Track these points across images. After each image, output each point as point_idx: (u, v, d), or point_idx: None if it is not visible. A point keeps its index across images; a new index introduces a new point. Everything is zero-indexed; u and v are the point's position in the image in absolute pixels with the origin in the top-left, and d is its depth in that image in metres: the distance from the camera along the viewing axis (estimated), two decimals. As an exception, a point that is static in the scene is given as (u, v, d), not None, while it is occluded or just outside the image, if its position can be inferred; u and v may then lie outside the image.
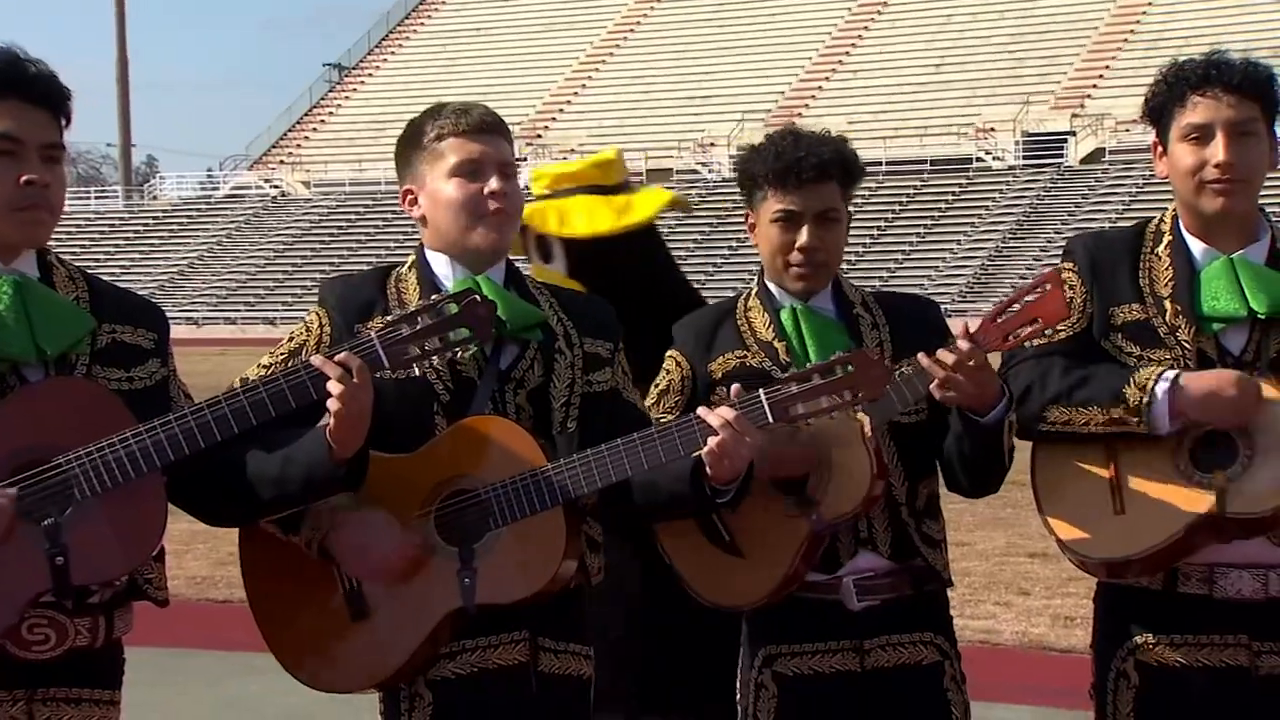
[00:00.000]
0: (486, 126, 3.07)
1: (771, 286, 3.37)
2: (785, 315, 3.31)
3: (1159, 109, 3.21)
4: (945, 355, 3.02)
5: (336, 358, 2.76)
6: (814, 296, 3.33)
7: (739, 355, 3.32)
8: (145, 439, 2.73)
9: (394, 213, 59.19)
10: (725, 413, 2.88)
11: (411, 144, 3.11)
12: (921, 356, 3.06)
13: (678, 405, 3.34)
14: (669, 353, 3.42)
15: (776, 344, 3.30)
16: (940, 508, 3.36)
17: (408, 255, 3.19)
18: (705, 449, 2.89)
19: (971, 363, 3.01)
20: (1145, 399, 3.08)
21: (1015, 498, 11.94)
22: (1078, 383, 3.16)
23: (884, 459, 3.14)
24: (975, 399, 3.08)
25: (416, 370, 2.84)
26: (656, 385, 3.40)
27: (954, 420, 3.16)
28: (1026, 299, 3.02)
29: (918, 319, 3.35)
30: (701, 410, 2.91)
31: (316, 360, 2.76)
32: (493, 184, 3.04)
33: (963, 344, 3.01)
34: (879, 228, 51.57)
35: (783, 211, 3.27)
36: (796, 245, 3.27)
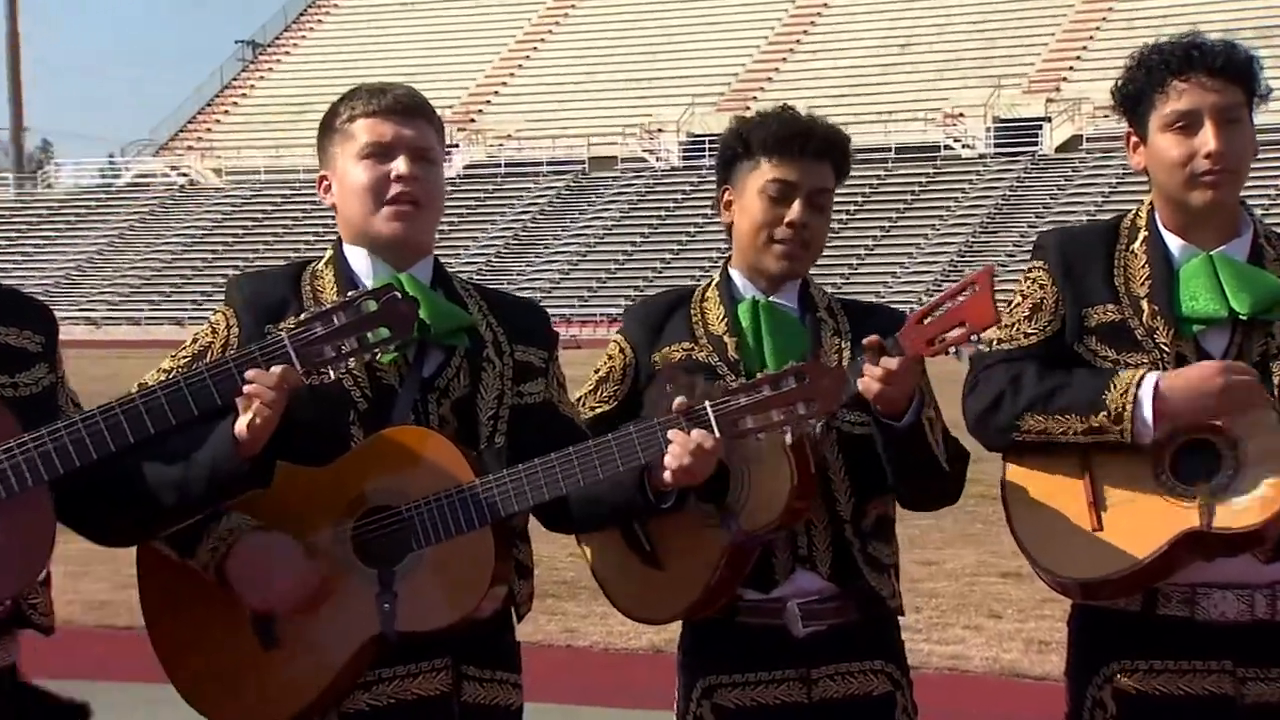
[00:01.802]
0: (402, 107, 3.07)
1: (736, 276, 3.37)
2: (744, 309, 3.32)
3: (1135, 96, 3.23)
4: (874, 371, 3.05)
5: (273, 371, 2.74)
6: (780, 289, 3.34)
7: (685, 347, 3.33)
8: (31, 450, 2.70)
9: (314, 203, 58.82)
10: (698, 437, 2.88)
11: (327, 127, 3.13)
12: (866, 371, 3.07)
13: (616, 395, 3.35)
14: (614, 336, 3.43)
15: (727, 339, 3.31)
16: (893, 532, 3.38)
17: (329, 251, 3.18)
18: (666, 468, 2.90)
19: (896, 369, 3.04)
20: (1128, 405, 3.09)
21: (985, 513, 12.06)
22: (1054, 389, 3.16)
23: (809, 469, 3.14)
24: (898, 403, 3.12)
25: (332, 374, 2.83)
26: (596, 371, 3.41)
27: (875, 433, 3.19)
28: (953, 301, 3.03)
29: (882, 331, 3.35)
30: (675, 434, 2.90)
31: (253, 374, 2.74)
32: (400, 166, 3.03)
33: (891, 361, 3.03)
34: (839, 221, 51.64)
35: (778, 181, 3.28)
36: (786, 219, 3.28)
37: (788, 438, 3.09)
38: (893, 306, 3.64)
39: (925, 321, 3.05)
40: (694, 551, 3.18)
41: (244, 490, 2.87)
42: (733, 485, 3.14)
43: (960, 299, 3.03)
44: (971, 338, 3.06)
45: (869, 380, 3.07)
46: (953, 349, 3.09)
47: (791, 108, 3.40)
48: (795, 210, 3.28)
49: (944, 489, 3.31)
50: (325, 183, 3.14)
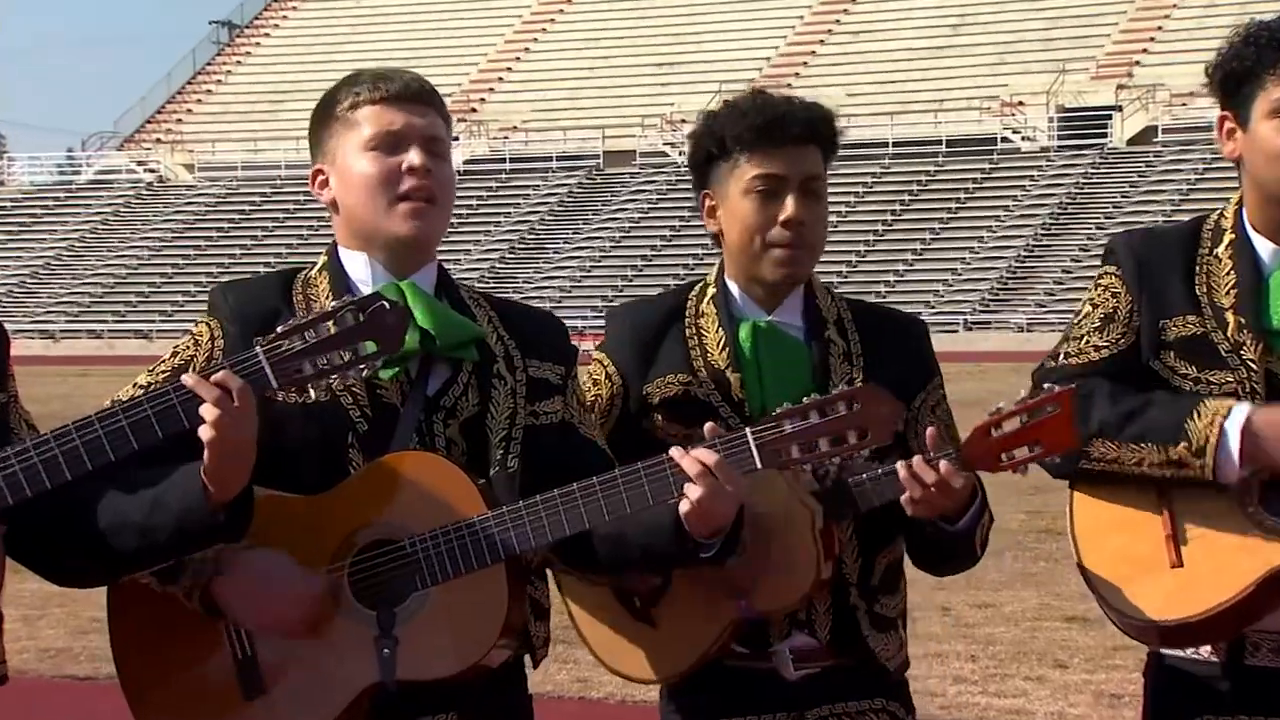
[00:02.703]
0: (412, 94, 3.07)
1: (733, 289, 3.35)
2: (744, 333, 3.31)
3: (1238, 76, 3.20)
4: (926, 472, 3.03)
5: (213, 377, 2.74)
6: (783, 304, 3.33)
7: (683, 380, 3.31)
8: (-20, 479, 2.71)
9: (297, 202, 59.09)
10: (705, 456, 2.88)
11: (324, 116, 3.12)
12: (900, 468, 3.06)
13: (601, 429, 3.31)
14: (597, 356, 3.40)
15: (730, 375, 3.29)
16: (901, 573, 3.40)
17: (315, 254, 3.19)
18: (684, 503, 2.89)
19: (956, 485, 3.03)
20: (1212, 436, 3.08)
21: (1048, 549, 12.00)
22: (1130, 413, 3.17)
23: (835, 554, 3.19)
24: (949, 510, 3.13)
25: (313, 392, 2.83)
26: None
27: (925, 528, 3.19)
28: (1030, 415, 2.99)
29: (900, 349, 3.36)
30: (675, 452, 2.90)
31: (188, 380, 2.73)
32: (413, 157, 3.03)
33: (945, 466, 3.02)
34: (884, 223, 51.78)
35: (763, 177, 3.26)
36: (780, 218, 3.26)
37: (818, 520, 3.12)
38: (911, 314, 3.59)
39: (993, 434, 3.02)
40: (692, 615, 3.20)
41: (215, 542, 2.86)
42: (750, 553, 3.11)
43: (1038, 415, 2.99)
44: (1047, 460, 3.05)
45: (912, 482, 3.04)
46: (1019, 469, 3.06)
47: (762, 91, 3.36)
48: (790, 206, 3.26)
49: (965, 569, 3.37)
50: (321, 178, 3.13)
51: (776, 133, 3.25)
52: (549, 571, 3.21)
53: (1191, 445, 3.09)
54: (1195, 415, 3.10)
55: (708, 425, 2.96)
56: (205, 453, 2.76)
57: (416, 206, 3.04)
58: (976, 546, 3.24)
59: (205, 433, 2.74)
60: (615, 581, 3.26)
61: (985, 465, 3.03)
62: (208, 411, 2.73)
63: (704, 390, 3.29)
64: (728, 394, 3.28)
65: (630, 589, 3.26)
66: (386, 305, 2.77)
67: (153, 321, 53.89)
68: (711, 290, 3.38)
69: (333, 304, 2.80)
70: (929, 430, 3.07)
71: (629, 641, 3.29)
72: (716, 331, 3.33)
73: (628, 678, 3.36)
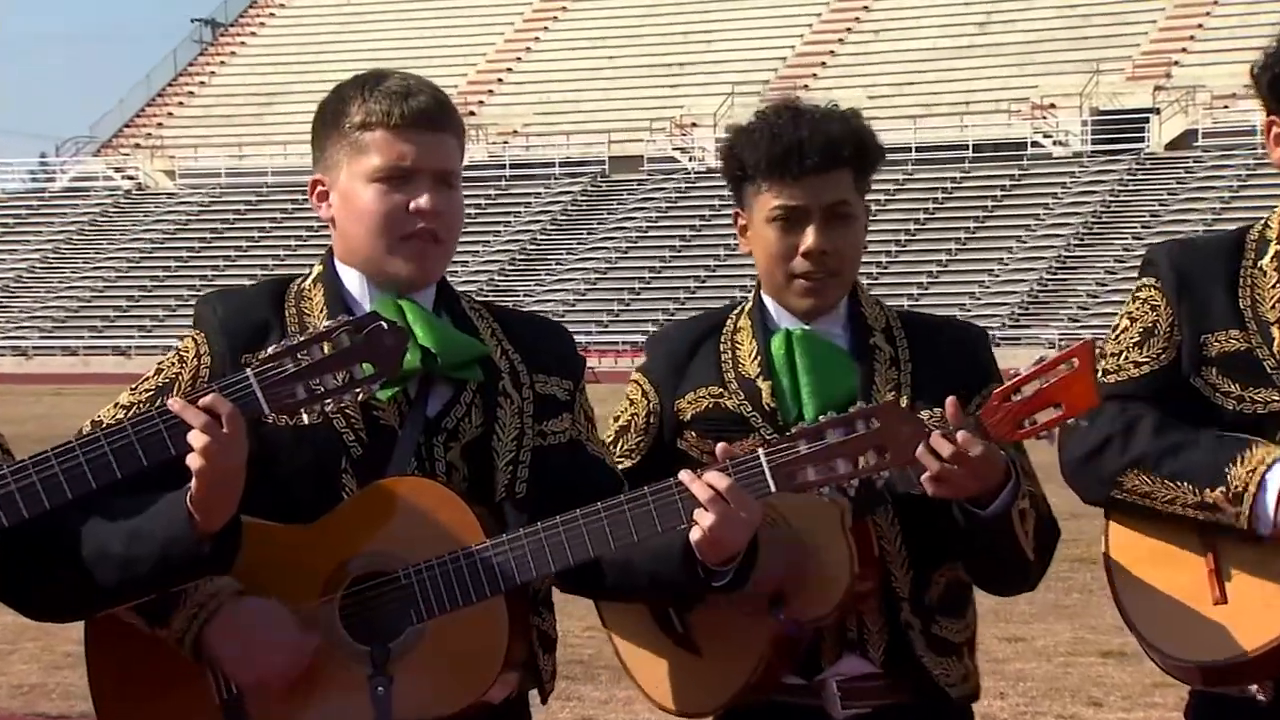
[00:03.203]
0: (429, 120, 3.03)
1: (769, 303, 3.38)
2: (777, 342, 3.32)
3: None
4: (941, 445, 3.03)
5: (201, 401, 2.74)
6: (822, 317, 3.34)
7: (714, 393, 3.34)
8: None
9: (284, 211, 59.17)
10: (716, 480, 2.88)
11: (330, 122, 3.09)
12: (933, 446, 3.05)
13: (639, 448, 3.36)
14: (635, 376, 3.43)
15: (760, 383, 3.31)
16: (969, 600, 3.38)
17: (303, 266, 3.18)
18: (695, 531, 2.89)
19: (974, 453, 3.03)
20: (1252, 486, 3.07)
21: (1083, 580, 12.00)
22: (1171, 449, 3.16)
23: (872, 552, 3.17)
24: (975, 490, 3.11)
25: (306, 417, 2.84)
26: (616, 419, 3.42)
27: (955, 513, 3.18)
28: (1047, 376, 3.01)
29: (954, 355, 3.36)
30: (685, 475, 2.91)
31: (174, 404, 2.74)
32: (423, 201, 3.02)
33: (962, 435, 3.02)
34: (906, 233, 51.83)
35: (782, 209, 3.28)
36: (801, 249, 3.28)
37: (847, 515, 3.11)
38: (969, 322, 3.62)
39: (1012, 399, 3.03)
40: (735, 637, 3.19)
41: (202, 575, 2.86)
42: (780, 558, 3.13)
43: (1054, 375, 3.01)
44: (1070, 421, 3.04)
45: (928, 457, 3.03)
46: (1043, 434, 3.07)
47: (790, 107, 3.34)
48: (810, 237, 3.27)
49: (1022, 580, 3.32)
50: (321, 189, 3.11)
51: (794, 161, 3.26)
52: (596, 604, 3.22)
53: (1229, 491, 3.09)
54: (1238, 460, 3.10)
55: (719, 446, 2.95)
56: (193, 481, 2.76)
57: (421, 248, 3.04)
58: (1022, 545, 3.19)
59: (194, 461, 2.74)
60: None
61: (1004, 432, 3.03)
62: (196, 439, 2.73)
63: (735, 401, 3.31)
64: (758, 403, 3.29)
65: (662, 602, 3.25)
66: (385, 326, 2.78)
67: (131, 338, 53.98)
68: (749, 305, 3.41)
69: (327, 323, 2.80)
70: (949, 400, 3.06)
71: (676, 674, 3.28)
72: (750, 342, 3.36)
73: (684, 714, 3.32)
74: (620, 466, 3.28)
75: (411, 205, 3.02)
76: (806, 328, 3.33)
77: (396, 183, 3.02)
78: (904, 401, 3.24)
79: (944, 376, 3.27)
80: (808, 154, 3.26)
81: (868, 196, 3.38)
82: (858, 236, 3.34)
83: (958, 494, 3.10)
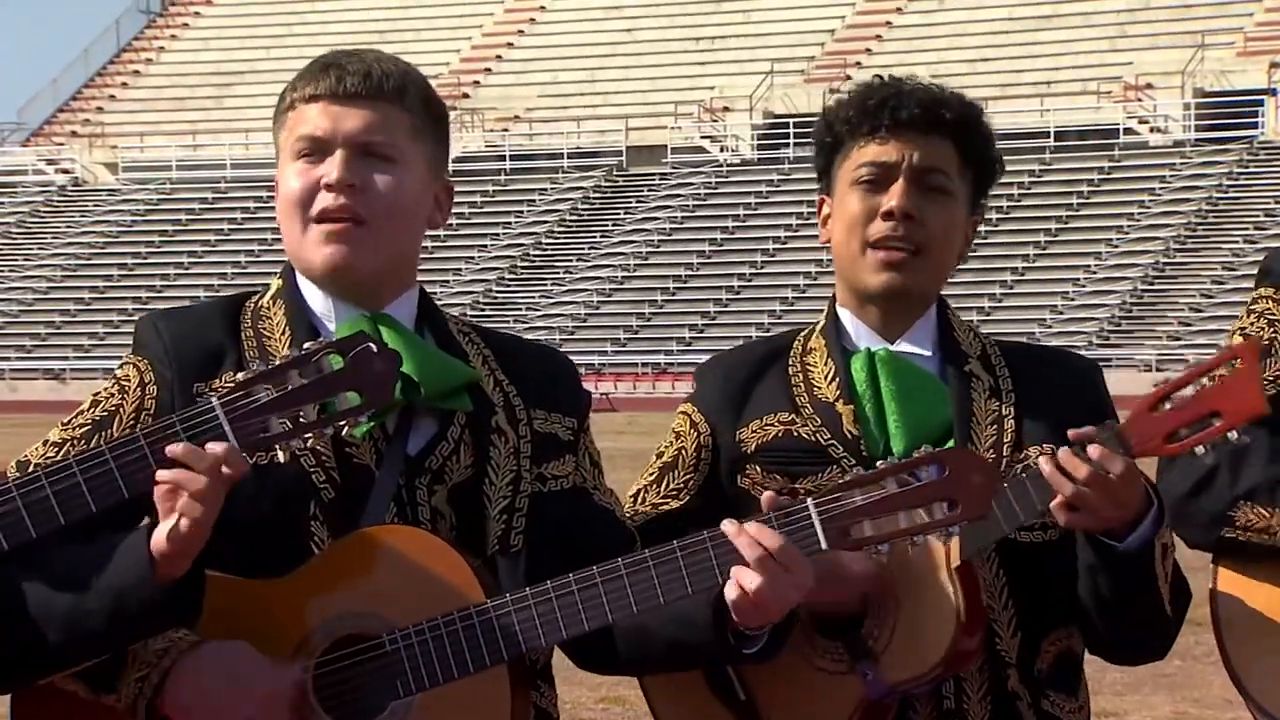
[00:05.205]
0: (354, 90, 3.07)
1: (845, 318, 3.39)
2: (858, 363, 3.33)
3: None
4: (1074, 464, 3.02)
5: (210, 446, 2.76)
6: (908, 331, 3.34)
7: (785, 420, 3.34)
8: None
9: (245, 210, 59.36)
10: (766, 538, 2.88)
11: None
12: (1043, 462, 3.06)
13: (689, 486, 3.36)
14: (683, 407, 3.44)
15: (841, 408, 3.32)
16: (1081, 675, 3.37)
17: (268, 275, 3.20)
18: (731, 588, 2.89)
19: (1114, 474, 3.01)
20: None
21: (1185, 644, 11.89)
22: None
23: (979, 599, 3.15)
24: (1116, 519, 3.09)
25: (281, 455, 2.84)
26: (659, 455, 3.43)
27: (1081, 548, 3.17)
28: (1204, 381, 2.99)
29: (1064, 388, 3.35)
30: (729, 527, 2.90)
31: (177, 450, 2.75)
32: (328, 169, 3.05)
33: (1094, 450, 3.01)
34: (978, 235, 51.77)
35: (869, 165, 3.32)
36: (883, 209, 3.29)
37: (955, 555, 3.09)
38: (1083, 355, 3.61)
39: (1163, 407, 3.02)
40: (808, 704, 3.18)
41: (161, 628, 2.87)
42: (869, 616, 3.15)
43: (1214, 378, 2.99)
44: (1230, 433, 3.00)
45: (1059, 477, 3.03)
46: (1201, 447, 3.04)
47: (895, 76, 3.42)
48: (895, 193, 3.29)
49: (1160, 640, 3.29)
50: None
51: (888, 111, 3.31)
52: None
53: None
54: None
55: (765, 495, 2.96)
56: (168, 526, 2.77)
57: (333, 229, 3.05)
58: (1162, 591, 3.16)
59: (190, 509, 2.75)
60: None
61: (1152, 447, 3.02)
62: (191, 481, 2.75)
63: (810, 428, 3.32)
64: (838, 431, 3.30)
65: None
66: (374, 349, 2.79)
67: (66, 359, 54.14)
68: (822, 323, 3.42)
69: (308, 346, 2.82)
70: (1084, 430, 3.05)
71: None
72: (826, 364, 3.37)
73: None
74: (666, 507, 3.32)
75: (321, 180, 3.05)
76: (891, 347, 3.34)
77: (315, 158, 3.07)
78: (1008, 439, 3.24)
79: (1053, 410, 3.27)
80: (903, 106, 3.31)
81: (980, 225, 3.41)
82: (954, 218, 3.36)
83: (1095, 524, 3.09)
